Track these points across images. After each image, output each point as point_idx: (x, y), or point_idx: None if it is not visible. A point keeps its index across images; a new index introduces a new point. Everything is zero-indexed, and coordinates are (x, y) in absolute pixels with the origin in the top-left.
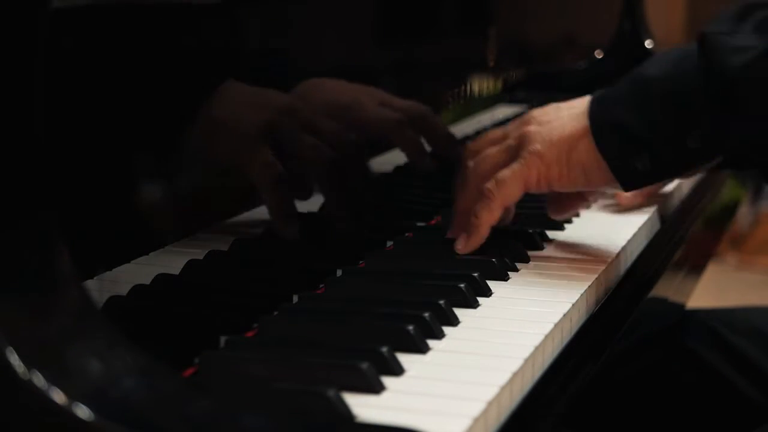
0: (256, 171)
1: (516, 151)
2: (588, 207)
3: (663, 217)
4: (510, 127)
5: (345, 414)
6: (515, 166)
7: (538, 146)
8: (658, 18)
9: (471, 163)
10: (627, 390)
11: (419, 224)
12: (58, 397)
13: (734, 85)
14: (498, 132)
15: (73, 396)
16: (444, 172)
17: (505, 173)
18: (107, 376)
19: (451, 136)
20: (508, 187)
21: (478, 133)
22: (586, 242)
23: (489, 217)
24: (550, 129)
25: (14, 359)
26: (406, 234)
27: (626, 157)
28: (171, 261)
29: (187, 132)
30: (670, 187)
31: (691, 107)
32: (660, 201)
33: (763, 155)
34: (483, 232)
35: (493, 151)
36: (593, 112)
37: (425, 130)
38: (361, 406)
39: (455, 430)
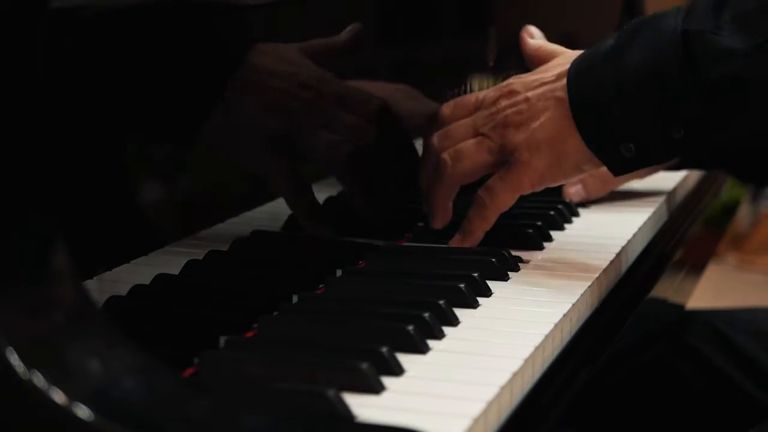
0: (269, 173)
1: (500, 155)
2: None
3: (663, 217)
4: (482, 115)
5: (345, 414)
6: (506, 176)
7: (525, 155)
8: None
9: (435, 140)
10: (627, 389)
11: (419, 224)
12: (58, 397)
13: (721, 89)
14: (469, 102)
15: (73, 396)
16: None
17: (499, 181)
18: (107, 376)
19: None
20: (500, 198)
21: None
22: (587, 242)
23: (483, 224)
24: (532, 133)
25: (14, 359)
26: (406, 234)
27: (613, 147)
28: (171, 261)
29: (190, 132)
30: (670, 186)
31: (674, 102)
32: (660, 201)
33: (749, 146)
34: (477, 237)
35: (466, 132)
36: (574, 104)
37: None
38: (361, 406)
39: (455, 430)
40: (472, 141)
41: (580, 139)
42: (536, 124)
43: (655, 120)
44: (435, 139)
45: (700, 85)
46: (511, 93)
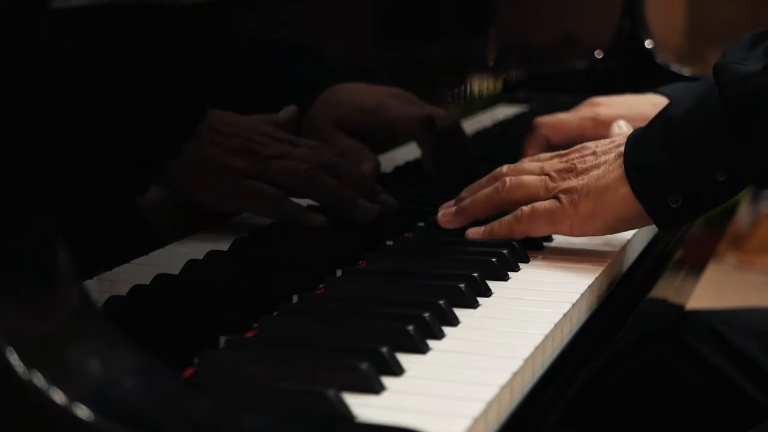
0: (253, 204)
1: (553, 191)
2: None
3: None
4: (554, 161)
5: (345, 414)
6: (553, 206)
7: (574, 197)
8: (658, 18)
9: (506, 168)
10: (627, 389)
11: (419, 224)
12: (58, 397)
13: (743, 112)
14: (548, 154)
15: (73, 396)
16: (450, 175)
17: (542, 208)
18: (107, 376)
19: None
20: (536, 225)
21: (477, 133)
22: (587, 242)
23: (508, 235)
24: (588, 180)
25: (14, 359)
26: (406, 234)
27: (660, 198)
28: (171, 261)
29: (186, 136)
30: None
31: (714, 140)
32: None
33: None
34: (496, 238)
35: (534, 169)
36: (627, 158)
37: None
38: (361, 406)
39: (455, 430)
40: (536, 177)
41: (629, 191)
42: (594, 173)
43: (700, 164)
44: (506, 167)
45: (731, 115)
46: (584, 147)
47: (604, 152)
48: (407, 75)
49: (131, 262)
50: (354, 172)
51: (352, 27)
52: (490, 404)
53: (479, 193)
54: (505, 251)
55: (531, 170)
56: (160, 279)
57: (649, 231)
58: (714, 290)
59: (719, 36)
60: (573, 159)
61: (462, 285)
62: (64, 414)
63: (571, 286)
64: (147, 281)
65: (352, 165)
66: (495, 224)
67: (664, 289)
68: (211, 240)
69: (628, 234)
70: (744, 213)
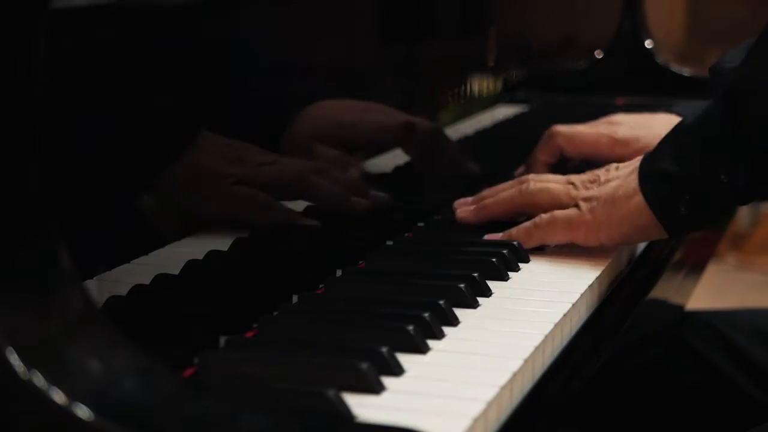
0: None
1: (575, 199)
2: None
3: None
4: (580, 174)
5: (345, 414)
6: (572, 213)
7: (592, 205)
8: (658, 18)
9: (532, 175)
10: (627, 389)
11: (419, 224)
12: (58, 397)
13: (731, 106)
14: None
15: (73, 396)
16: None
17: (562, 215)
18: (107, 376)
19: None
20: (553, 232)
21: (477, 133)
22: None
23: (526, 239)
24: (607, 190)
25: (14, 359)
26: (406, 234)
27: (670, 205)
28: (171, 261)
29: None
30: None
31: (714, 141)
32: None
33: None
34: (508, 239)
35: (560, 178)
36: (641, 168)
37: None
38: (361, 406)
39: (455, 430)
40: (560, 184)
41: (642, 200)
42: (614, 183)
43: (705, 167)
44: (532, 175)
45: (718, 109)
46: (610, 165)
47: (625, 167)
48: (407, 75)
49: (131, 262)
50: (341, 173)
51: (352, 27)
52: (489, 404)
53: (503, 192)
54: (505, 251)
55: (556, 179)
56: (160, 279)
57: None
58: (714, 290)
59: (719, 36)
60: (598, 174)
61: (462, 285)
62: (64, 414)
63: (571, 286)
64: (147, 281)
65: (339, 168)
66: (513, 230)
67: (664, 289)
68: (211, 240)
69: None
70: (744, 213)
